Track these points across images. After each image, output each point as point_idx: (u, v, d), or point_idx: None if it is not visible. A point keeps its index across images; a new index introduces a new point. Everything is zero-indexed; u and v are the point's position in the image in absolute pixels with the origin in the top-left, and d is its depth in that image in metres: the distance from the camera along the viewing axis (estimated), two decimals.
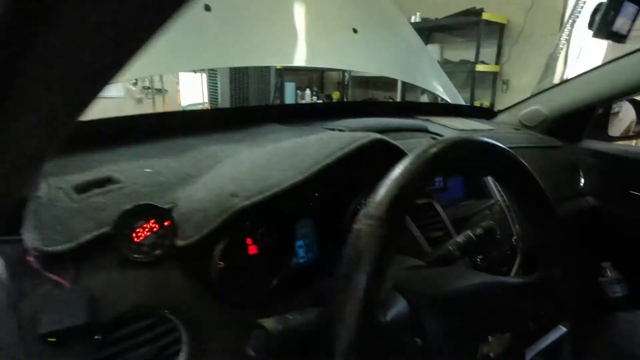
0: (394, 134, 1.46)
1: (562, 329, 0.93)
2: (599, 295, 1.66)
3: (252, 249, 0.96)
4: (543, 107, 2.11)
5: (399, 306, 0.57)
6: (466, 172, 1.24)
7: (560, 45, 4.55)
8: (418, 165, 0.51)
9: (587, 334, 1.12)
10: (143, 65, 1.33)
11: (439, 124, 1.70)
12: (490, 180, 1.53)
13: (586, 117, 2.08)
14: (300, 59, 1.56)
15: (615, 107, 2.17)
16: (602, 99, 1.89)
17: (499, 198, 1.49)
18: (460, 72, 5.37)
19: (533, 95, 2.20)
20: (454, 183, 1.50)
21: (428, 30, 5.49)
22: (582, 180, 1.94)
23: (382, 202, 0.48)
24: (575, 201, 1.86)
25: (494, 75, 5.50)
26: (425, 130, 1.54)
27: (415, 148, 0.57)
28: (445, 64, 5.43)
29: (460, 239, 0.96)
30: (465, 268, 0.91)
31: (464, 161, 0.60)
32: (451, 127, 1.64)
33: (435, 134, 1.54)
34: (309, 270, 1.06)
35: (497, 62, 5.50)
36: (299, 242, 1.07)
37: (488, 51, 5.38)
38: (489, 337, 0.63)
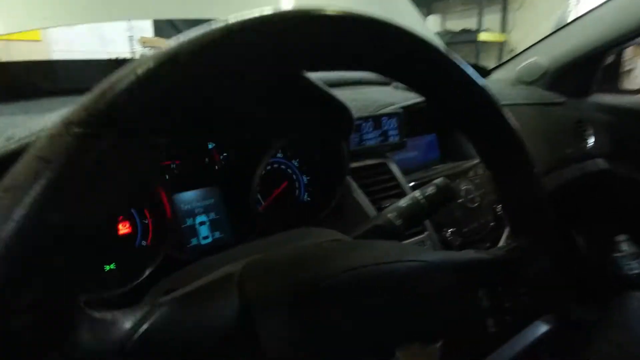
0: (349, 88, 1.19)
1: (541, 327, 0.66)
2: (613, 273, 1.37)
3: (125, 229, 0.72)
4: (542, 58, 1.78)
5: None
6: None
7: (570, 8, 4.14)
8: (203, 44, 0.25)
9: (592, 324, 0.87)
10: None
11: None
12: None
13: (593, 67, 1.76)
14: None
15: (630, 64, 1.85)
16: (609, 41, 1.56)
17: None
18: (463, 43, 4.98)
19: (530, 47, 1.88)
20: (424, 141, 1.23)
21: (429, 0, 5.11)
22: (591, 140, 1.63)
23: (99, 99, 0.23)
24: (582, 164, 1.56)
25: (500, 46, 5.10)
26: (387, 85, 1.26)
27: None
28: (445, 35, 5.05)
29: (403, 202, 0.69)
30: (398, 243, 0.65)
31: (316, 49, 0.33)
32: None
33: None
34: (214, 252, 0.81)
35: (503, 31, 5.10)
36: (201, 218, 0.82)
37: (492, 18, 4.99)
38: (399, 350, 0.37)
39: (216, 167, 0.84)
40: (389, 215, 0.68)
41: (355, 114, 1.00)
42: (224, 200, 0.85)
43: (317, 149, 0.95)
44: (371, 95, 1.08)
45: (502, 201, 0.53)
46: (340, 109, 0.80)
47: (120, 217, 0.72)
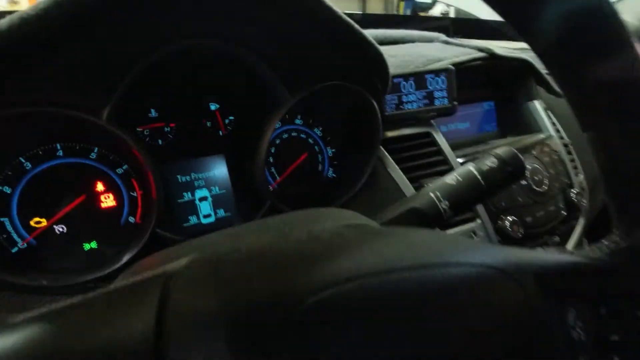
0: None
1: None
2: None
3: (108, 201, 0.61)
4: (633, 16, 1.46)
5: None
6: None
7: None
8: None
9: None
10: None
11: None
12: (538, 105, 1.01)
13: None
14: None
15: None
16: None
17: (552, 132, 0.97)
18: None
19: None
20: (479, 110, 1.01)
21: None
22: None
23: None
24: None
25: None
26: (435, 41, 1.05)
27: None
28: None
29: (451, 178, 0.51)
30: (441, 233, 0.47)
31: None
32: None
33: (453, 44, 1.03)
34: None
35: None
36: (202, 193, 0.68)
37: None
38: None
39: (220, 133, 0.70)
40: (431, 194, 0.51)
41: (394, 70, 0.82)
42: (229, 172, 0.71)
43: (344, 114, 0.78)
44: (415, 49, 0.88)
45: (608, 176, 0.34)
46: (373, 58, 0.62)
47: (104, 188, 0.60)
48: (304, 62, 0.62)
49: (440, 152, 0.79)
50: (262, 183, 0.65)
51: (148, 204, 0.61)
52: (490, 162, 0.51)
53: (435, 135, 0.80)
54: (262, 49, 0.60)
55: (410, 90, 0.78)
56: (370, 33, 1.05)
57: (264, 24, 0.54)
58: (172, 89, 0.64)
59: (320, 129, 0.80)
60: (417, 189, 0.74)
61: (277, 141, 0.76)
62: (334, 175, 0.81)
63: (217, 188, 0.70)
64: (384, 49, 0.91)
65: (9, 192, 0.55)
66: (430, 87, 0.79)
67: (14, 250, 0.55)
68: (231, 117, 0.71)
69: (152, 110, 0.64)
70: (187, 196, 0.67)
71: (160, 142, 0.65)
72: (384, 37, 1.06)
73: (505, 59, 0.93)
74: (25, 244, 0.55)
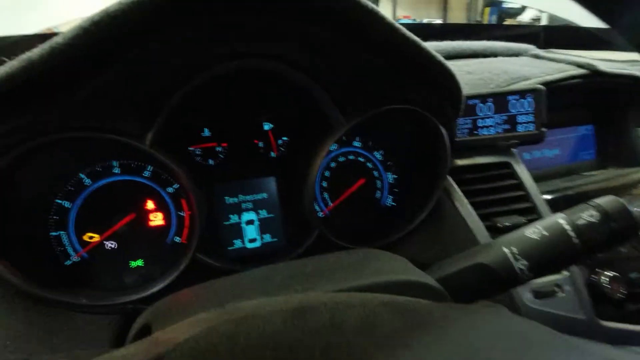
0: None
1: None
2: None
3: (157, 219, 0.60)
4: None
5: None
6: None
7: None
8: None
9: None
10: None
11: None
12: None
13: None
14: None
15: None
16: None
17: None
18: None
19: None
20: (574, 135, 0.86)
21: None
22: None
23: None
24: None
25: None
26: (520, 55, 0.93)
27: None
28: None
29: (534, 232, 0.41)
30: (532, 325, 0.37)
31: None
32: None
33: (542, 58, 0.90)
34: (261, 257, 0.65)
35: None
36: (249, 216, 0.66)
37: None
38: None
39: (272, 154, 0.67)
40: (506, 249, 0.41)
41: (469, 90, 0.72)
42: (279, 195, 0.67)
43: (408, 137, 0.70)
44: (497, 65, 0.77)
45: None
46: (443, 79, 0.54)
47: (154, 207, 0.60)
48: (360, 83, 0.56)
49: (520, 186, 0.67)
50: (310, 210, 0.60)
51: (194, 224, 0.60)
52: (588, 216, 0.41)
53: (515, 166, 0.68)
54: (315, 70, 0.56)
55: (488, 113, 0.67)
56: (445, 46, 0.96)
57: (316, 43, 0.49)
58: (225, 108, 0.63)
59: (381, 152, 0.73)
60: (489, 228, 0.63)
61: (332, 164, 0.71)
62: (393, 204, 0.74)
63: (265, 211, 0.67)
64: (459, 64, 0.82)
65: (68, 206, 0.57)
66: (512, 110, 0.67)
67: (67, 263, 0.56)
68: (284, 138, 0.67)
69: (205, 130, 0.63)
70: (234, 218, 0.65)
71: (211, 162, 0.64)
72: (461, 50, 0.96)
73: (611, 76, 0.78)
74: (78, 258, 0.57)
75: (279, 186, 0.67)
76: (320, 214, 0.70)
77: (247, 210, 0.66)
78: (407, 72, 0.54)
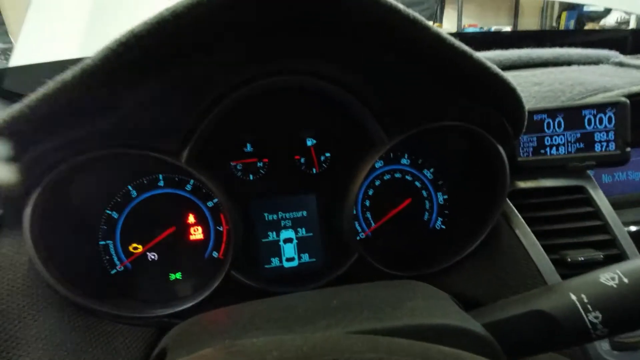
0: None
1: None
2: None
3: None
4: None
5: None
6: None
7: None
8: None
9: None
10: None
11: None
12: None
13: None
14: None
15: None
16: None
17: None
18: None
19: None
20: None
21: None
22: None
23: None
24: None
25: None
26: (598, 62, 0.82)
27: None
28: None
29: (609, 277, 0.34)
30: None
31: None
32: None
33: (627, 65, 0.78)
34: (298, 276, 0.62)
35: None
36: (287, 234, 0.64)
37: None
38: None
39: (313, 170, 0.65)
40: (573, 297, 0.34)
41: (536, 103, 0.64)
42: (319, 214, 0.65)
43: (462, 156, 0.64)
44: (571, 75, 0.68)
45: None
46: (502, 92, 0.48)
47: (194, 221, 0.61)
48: (405, 99, 0.52)
49: (597, 214, 0.58)
50: (350, 230, 0.57)
51: (230, 240, 0.59)
52: None
53: (591, 191, 0.59)
54: (356, 85, 0.53)
55: (558, 130, 0.59)
56: (509, 54, 0.88)
57: (358, 58, 0.46)
58: (267, 124, 0.62)
59: (431, 170, 0.68)
60: (556, 262, 0.55)
61: (377, 182, 0.67)
62: (442, 227, 0.68)
63: (304, 230, 0.64)
64: (525, 75, 0.74)
65: (116, 217, 0.59)
66: (588, 127, 0.58)
67: (113, 272, 0.59)
68: (327, 154, 0.65)
69: (248, 145, 0.63)
70: (272, 236, 0.63)
71: (251, 177, 0.63)
72: (529, 59, 0.87)
73: None
74: (123, 267, 0.59)
75: (319, 204, 0.65)
76: (362, 235, 0.66)
77: (286, 228, 0.64)
78: (459, 87, 0.48)
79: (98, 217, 0.58)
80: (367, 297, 0.38)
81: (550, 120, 0.59)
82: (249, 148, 0.63)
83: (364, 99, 0.53)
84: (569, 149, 0.59)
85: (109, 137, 0.45)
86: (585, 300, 0.34)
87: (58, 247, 0.51)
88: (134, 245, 0.59)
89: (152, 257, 0.60)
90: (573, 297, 0.34)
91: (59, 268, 0.49)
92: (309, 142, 0.64)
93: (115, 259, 0.59)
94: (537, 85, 0.67)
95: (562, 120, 0.59)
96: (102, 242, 0.58)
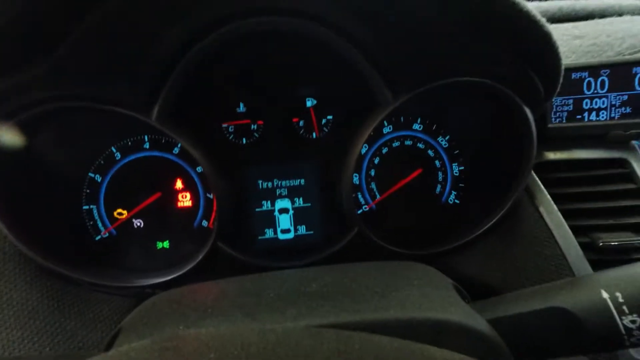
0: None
1: None
2: None
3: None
4: None
5: None
6: None
7: None
8: None
9: None
10: None
11: None
12: None
13: None
14: None
15: None
16: None
17: None
18: None
19: None
20: None
21: None
22: None
23: None
24: None
25: None
26: None
27: None
28: None
29: None
30: None
31: None
32: None
33: None
34: (290, 249, 0.58)
35: None
36: (283, 203, 0.59)
37: None
38: None
39: (313, 135, 0.58)
40: (605, 294, 0.28)
41: (576, 59, 0.54)
42: (319, 183, 0.59)
43: (482, 122, 0.56)
44: (621, 27, 0.57)
45: None
46: (535, 40, 0.39)
47: (182, 186, 0.56)
48: (418, 52, 0.44)
49: (639, 193, 0.49)
50: (348, 202, 0.51)
51: (218, 209, 0.54)
52: None
53: (635, 165, 0.50)
54: (360, 35, 0.44)
55: (600, 91, 0.50)
56: (547, 6, 0.76)
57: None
58: (263, 80, 0.55)
59: (447, 138, 0.60)
60: (585, 246, 0.47)
61: (384, 150, 0.60)
62: (456, 201, 0.61)
63: (301, 200, 0.59)
64: (565, 27, 0.63)
65: (99, 180, 0.55)
66: (638, 88, 0.49)
67: (97, 238, 0.55)
68: (329, 117, 0.58)
69: (241, 105, 0.57)
70: (266, 205, 0.58)
71: (244, 141, 0.57)
72: (571, 11, 0.75)
73: None
74: (107, 234, 0.56)
75: (319, 172, 0.59)
76: (365, 208, 0.60)
77: (282, 197, 0.59)
78: (481, 34, 0.40)
79: (80, 181, 0.55)
80: (354, 281, 0.33)
81: (592, 80, 0.50)
82: (242, 108, 0.57)
83: (369, 52, 0.45)
84: (612, 114, 0.50)
85: (49, 87, 0.39)
86: (621, 300, 0.27)
87: (32, 209, 0.48)
88: (119, 210, 0.56)
89: (138, 223, 0.56)
90: (605, 294, 0.28)
91: (32, 232, 0.46)
92: (309, 103, 0.58)
93: (100, 224, 0.56)
94: (578, 39, 0.57)
95: (606, 80, 0.49)
96: (85, 207, 0.55)
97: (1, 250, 0.45)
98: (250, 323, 0.27)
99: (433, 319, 0.28)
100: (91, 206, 0.55)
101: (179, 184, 0.57)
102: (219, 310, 0.29)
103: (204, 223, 0.57)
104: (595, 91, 0.50)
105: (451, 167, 0.60)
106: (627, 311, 0.26)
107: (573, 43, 0.57)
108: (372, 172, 0.60)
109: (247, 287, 0.33)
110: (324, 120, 0.58)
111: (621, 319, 0.26)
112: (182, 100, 0.45)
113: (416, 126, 0.60)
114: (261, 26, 0.43)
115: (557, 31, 0.61)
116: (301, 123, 0.58)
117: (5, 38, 0.29)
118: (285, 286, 0.32)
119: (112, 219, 0.56)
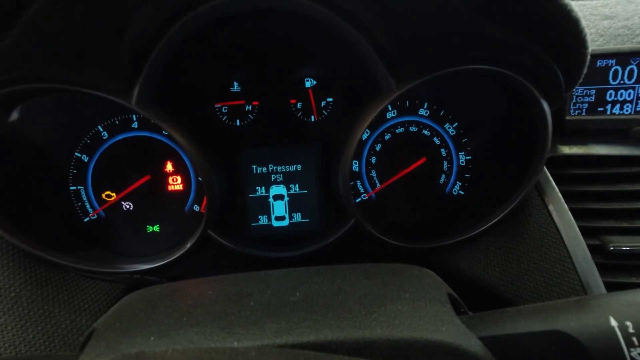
0: None
1: None
2: None
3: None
4: None
5: None
6: None
7: None
8: None
9: None
10: None
11: None
12: None
13: None
14: None
15: None
16: None
17: None
18: None
19: None
20: None
21: None
22: None
23: None
24: None
25: None
26: None
27: None
28: None
29: None
30: None
31: None
32: None
33: None
34: (288, 236, 0.56)
35: None
36: (278, 190, 0.56)
37: None
38: None
39: (312, 118, 0.55)
40: (614, 322, 0.25)
41: (603, 43, 0.49)
42: (317, 169, 0.56)
43: (494, 110, 0.52)
44: None
45: None
46: (556, 22, 0.35)
47: (173, 169, 0.54)
48: (425, 34, 0.39)
49: None
50: (346, 190, 0.48)
51: (207, 195, 0.52)
52: None
53: None
54: (364, 18, 0.40)
55: (627, 82, 0.45)
56: None
57: None
58: (259, 59, 0.51)
59: (455, 125, 0.56)
60: (594, 249, 0.44)
61: (387, 136, 0.56)
62: (460, 193, 0.57)
63: (297, 186, 0.56)
64: (594, 4, 0.57)
65: (86, 160, 0.53)
66: None
67: (86, 220, 0.54)
68: (329, 99, 0.54)
69: (235, 84, 0.53)
70: (261, 191, 0.56)
71: (238, 122, 0.54)
72: None
73: None
74: (96, 215, 0.54)
75: (317, 158, 0.55)
76: (364, 196, 0.57)
77: (277, 183, 0.56)
78: (499, 18, 0.35)
79: (67, 161, 0.53)
80: (340, 290, 0.30)
81: (619, 68, 0.45)
82: (236, 87, 0.53)
83: (371, 34, 0.41)
84: (638, 108, 0.45)
85: (26, 66, 0.36)
86: (631, 330, 0.24)
87: (13, 190, 0.46)
88: (108, 192, 0.54)
89: (127, 206, 0.54)
90: (613, 322, 0.25)
91: (17, 215, 0.44)
92: (308, 84, 0.54)
93: (88, 206, 0.54)
94: (608, 19, 0.52)
95: (635, 69, 0.45)
96: (72, 188, 0.53)
97: None
98: (225, 338, 0.25)
99: (423, 340, 0.25)
100: (79, 187, 0.53)
101: (169, 167, 0.54)
102: (195, 319, 0.27)
103: (196, 207, 0.55)
104: (622, 81, 0.45)
105: (457, 156, 0.57)
106: (636, 343, 0.24)
107: (601, 24, 0.52)
108: (373, 160, 0.57)
109: (228, 290, 0.32)
110: (323, 103, 0.54)
111: (629, 351, 0.24)
112: (166, 81, 0.42)
113: (422, 111, 0.56)
114: (254, 4, 0.39)
115: (584, 10, 0.56)
116: (299, 105, 0.54)
117: None
118: (269, 292, 0.30)
119: (101, 201, 0.54)
